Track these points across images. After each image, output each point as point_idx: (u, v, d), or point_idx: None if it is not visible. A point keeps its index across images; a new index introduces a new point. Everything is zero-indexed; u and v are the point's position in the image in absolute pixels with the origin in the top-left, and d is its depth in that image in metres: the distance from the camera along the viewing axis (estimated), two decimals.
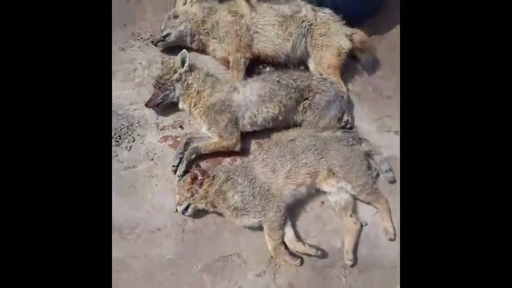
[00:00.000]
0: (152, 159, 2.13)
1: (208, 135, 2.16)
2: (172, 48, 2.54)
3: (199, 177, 1.89)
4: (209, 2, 2.50)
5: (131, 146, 2.16)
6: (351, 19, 2.68)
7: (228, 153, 2.17)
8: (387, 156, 2.31)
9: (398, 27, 3.16)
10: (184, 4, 2.48)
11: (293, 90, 2.19)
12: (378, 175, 2.24)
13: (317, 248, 1.91)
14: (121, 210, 1.95)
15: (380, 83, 2.80)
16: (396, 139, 2.50)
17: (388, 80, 2.82)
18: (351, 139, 2.15)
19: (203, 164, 2.10)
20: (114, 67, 2.44)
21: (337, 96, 2.28)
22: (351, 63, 2.76)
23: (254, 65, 2.50)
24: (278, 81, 2.19)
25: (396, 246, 2.06)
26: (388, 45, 3.04)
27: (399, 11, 3.28)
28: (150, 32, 2.65)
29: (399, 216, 1.85)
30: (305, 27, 2.43)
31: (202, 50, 2.53)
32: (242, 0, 2.45)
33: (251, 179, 1.91)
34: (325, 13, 2.50)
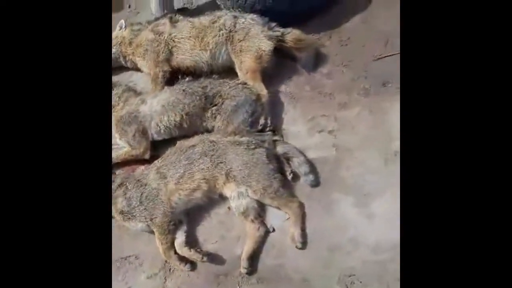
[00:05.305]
0: None
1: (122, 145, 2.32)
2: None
3: None
4: (138, 25, 2.71)
5: None
6: (295, 18, 2.64)
7: (142, 161, 2.29)
8: (315, 158, 2.19)
9: (352, 21, 2.97)
10: (120, 29, 2.73)
11: (198, 97, 2.23)
12: (295, 178, 2.13)
13: (205, 254, 1.88)
14: None
15: (322, 80, 2.65)
16: (329, 139, 2.35)
17: (332, 77, 2.65)
18: (253, 142, 2.09)
19: (118, 172, 2.24)
20: None
21: (246, 100, 2.25)
22: (289, 64, 2.68)
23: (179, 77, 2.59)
24: (183, 90, 2.26)
25: (306, 256, 1.91)
26: (340, 39, 2.87)
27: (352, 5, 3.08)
28: None
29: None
30: (223, 35, 2.45)
31: (137, 69, 2.73)
32: (166, 19, 2.61)
33: (141, 185, 1.99)
34: (246, 19, 2.49)
